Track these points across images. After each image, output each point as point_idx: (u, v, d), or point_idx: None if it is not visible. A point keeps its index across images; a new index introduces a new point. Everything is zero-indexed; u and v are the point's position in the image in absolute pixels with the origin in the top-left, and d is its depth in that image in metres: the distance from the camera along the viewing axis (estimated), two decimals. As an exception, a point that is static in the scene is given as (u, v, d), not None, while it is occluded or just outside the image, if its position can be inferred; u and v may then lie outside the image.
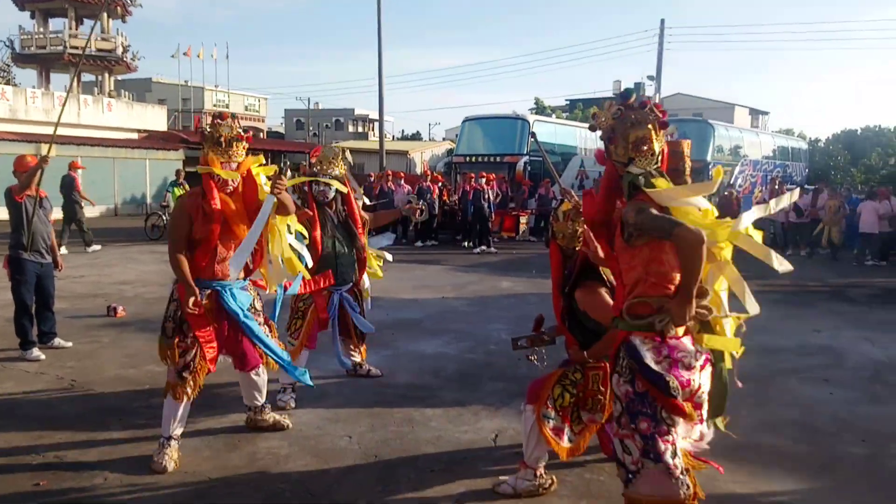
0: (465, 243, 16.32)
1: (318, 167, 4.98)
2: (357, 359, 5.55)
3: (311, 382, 4.34)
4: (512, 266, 13.04)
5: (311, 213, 4.85)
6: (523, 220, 18.57)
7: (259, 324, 4.01)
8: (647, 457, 2.60)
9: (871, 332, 7.66)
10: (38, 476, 3.64)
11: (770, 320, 6.27)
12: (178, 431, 3.91)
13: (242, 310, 3.90)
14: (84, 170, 15.30)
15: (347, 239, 5.04)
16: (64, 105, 6.55)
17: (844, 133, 45.37)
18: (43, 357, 5.88)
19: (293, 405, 4.78)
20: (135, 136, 29.64)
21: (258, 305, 4.10)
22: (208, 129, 3.79)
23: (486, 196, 16.11)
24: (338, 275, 4.96)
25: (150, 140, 29.26)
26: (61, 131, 5.61)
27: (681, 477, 2.61)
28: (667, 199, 2.68)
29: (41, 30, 31.70)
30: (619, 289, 2.88)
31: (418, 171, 30.88)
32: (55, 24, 32.43)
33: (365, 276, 5.38)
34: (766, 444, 4.27)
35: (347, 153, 5.27)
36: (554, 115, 39.21)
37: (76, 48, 30.67)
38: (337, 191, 4.97)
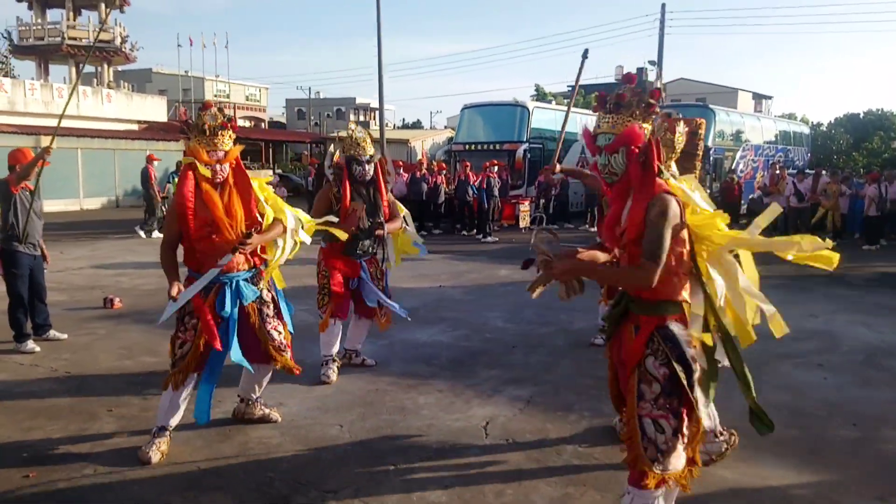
0: (464, 232, 16.26)
1: (355, 150, 5.11)
2: (359, 346, 5.59)
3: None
4: (510, 254, 13.03)
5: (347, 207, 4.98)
6: (524, 208, 18.48)
7: (268, 316, 4.01)
8: (676, 436, 2.73)
9: (866, 315, 7.66)
10: (29, 468, 3.66)
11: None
12: (173, 422, 3.92)
13: (234, 309, 3.88)
14: (159, 161, 15.94)
15: (372, 214, 5.16)
16: (70, 95, 6.55)
17: (847, 117, 45.13)
18: (38, 349, 5.90)
19: (335, 378, 5.02)
20: (135, 127, 29.62)
21: (267, 297, 4.06)
22: (193, 119, 3.84)
23: (488, 184, 16.08)
24: (358, 247, 5.12)
25: (151, 131, 29.23)
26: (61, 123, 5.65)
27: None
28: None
29: (39, 21, 31.66)
30: (624, 260, 2.86)
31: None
32: (53, 15, 32.42)
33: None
34: (756, 428, 4.27)
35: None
36: (554, 102, 39.01)
37: (74, 39, 30.63)
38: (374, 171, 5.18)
